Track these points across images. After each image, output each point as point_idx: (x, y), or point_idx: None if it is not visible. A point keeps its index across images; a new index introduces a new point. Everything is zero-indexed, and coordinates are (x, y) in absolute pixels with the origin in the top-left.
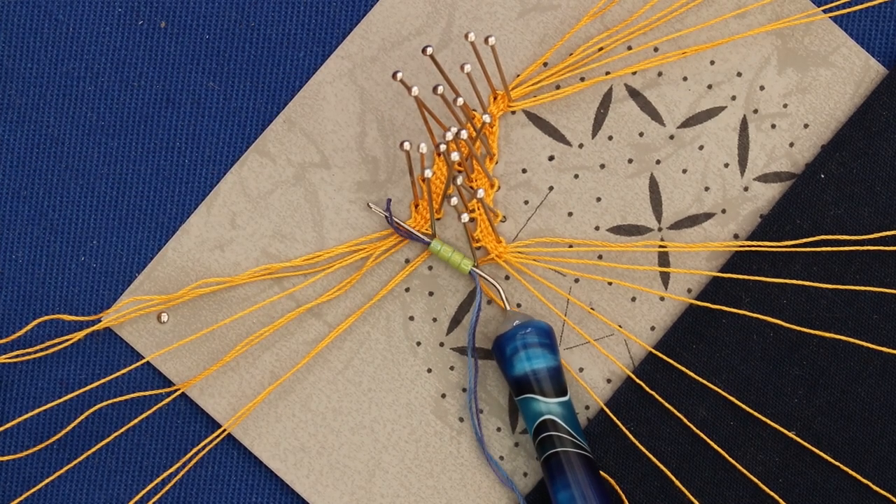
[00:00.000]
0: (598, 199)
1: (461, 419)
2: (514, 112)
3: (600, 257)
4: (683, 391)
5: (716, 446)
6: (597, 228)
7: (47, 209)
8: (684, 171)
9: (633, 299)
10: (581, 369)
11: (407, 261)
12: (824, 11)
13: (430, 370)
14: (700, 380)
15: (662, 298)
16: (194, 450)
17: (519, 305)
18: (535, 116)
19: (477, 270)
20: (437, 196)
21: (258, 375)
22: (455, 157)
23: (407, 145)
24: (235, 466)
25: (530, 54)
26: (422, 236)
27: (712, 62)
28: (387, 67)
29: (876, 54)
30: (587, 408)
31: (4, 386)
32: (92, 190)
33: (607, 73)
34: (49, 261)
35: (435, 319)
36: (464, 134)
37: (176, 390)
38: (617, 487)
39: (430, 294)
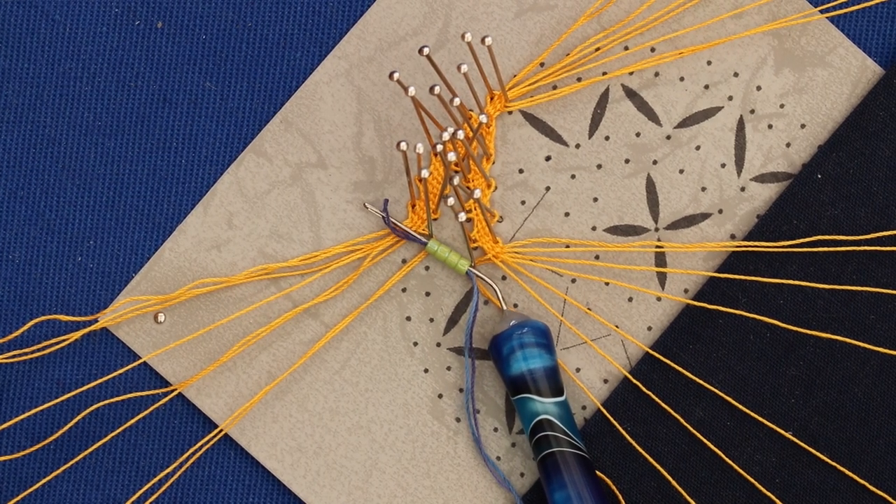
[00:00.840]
0: (595, 200)
1: (458, 419)
2: (510, 112)
3: (597, 257)
4: (680, 391)
5: (713, 446)
6: (594, 229)
7: (44, 209)
8: (681, 172)
9: (630, 299)
10: (578, 369)
11: (404, 261)
12: (821, 12)
13: (426, 370)
14: (697, 380)
15: (659, 299)
16: (191, 450)
17: (516, 306)
18: (532, 117)
19: (474, 271)
20: (434, 196)
21: (255, 376)
22: (452, 157)
23: (404, 145)
24: (232, 467)
25: (527, 54)
26: (419, 236)
27: (709, 62)
28: (383, 68)
29: (873, 55)
30: (584, 408)
31: (1, 386)
32: (89, 190)
33: (604, 74)
34: (46, 261)
35: (432, 320)
36: (460, 134)
37: (173, 390)
38: (614, 487)
39: (427, 294)
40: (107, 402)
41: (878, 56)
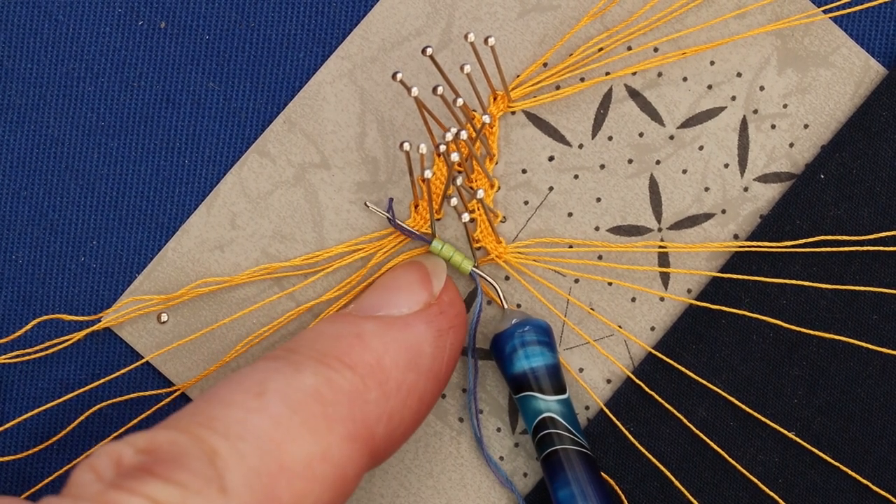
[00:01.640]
0: (598, 200)
1: (461, 419)
2: (513, 112)
3: (600, 258)
4: (683, 391)
5: (715, 446)
6: (597, 229)
7: (47, 209)
8: (684, 172)
9: (633, 300)
10: (581, 370)
11: None
12: (824, 12)
13: None
14: (700, 380)
15: (662, 299)
16: None
17: (519, 306)
18: (535, 117)
19: (477, 271)
20: (437, 196)
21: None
22: (455, 157)
23: (407, 146)
24: None
25: (530, 55)
26: (423, 236)
27: (712, 62)
28: (387, 68)
29: (876, 55)
30: (587, 408)
31: (4, 386)
32: (92, 190)
33: (607, 74)
34: (49, 261)
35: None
36: (463, 134)
37: (176, 390)
38: (617, 488)
39: None
40: (110, 401)
41: (881, 56)
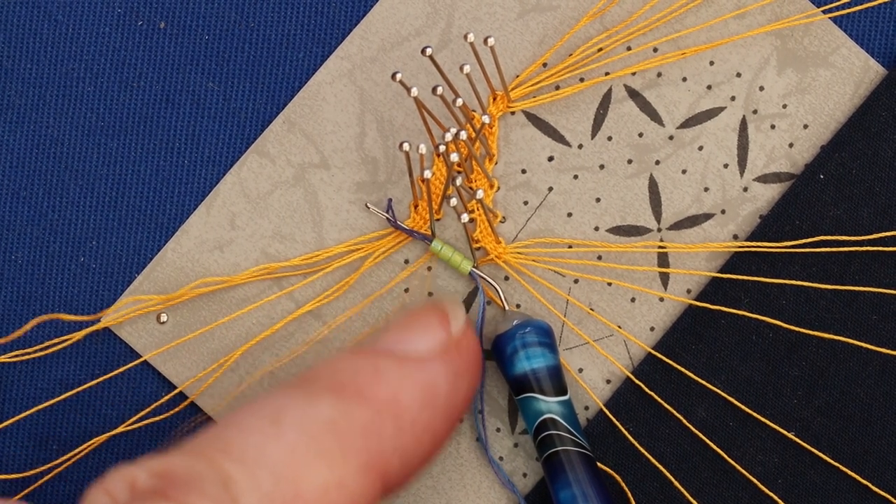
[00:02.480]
0: (598, 200)
1: (460, 419)
2: (513, 113)
3: (600, 258)
4: (683, 392)
5: (715, 447)
6: (596, 229)
7: (46, 210)
8: (684, 172)
9: (633, 300)
10: (580, 370)
11: (406, 261)
12: (824, 12)
13: None
14: (699, 380)
15: (662, 299)
16: None
17: (518, 306)
18: (535, 117)
19: (477, 271)
20: (437, 197)
21: (258, 376)
22: (454, 157)
23: (406, 146)
24: None
25: (530, 55)
26: (423, 236)
27: (712, 63)
28: (386, 68)
29: (876, 55)
30: (587, 408)
31: (4, 386)
32: (91, 190)
33: (607, 74)
34: (48, 261)
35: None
36: (463, 135)
37: (176, 391)
38: (623, 484)
39: (430, 295)
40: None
41: (881, 56)
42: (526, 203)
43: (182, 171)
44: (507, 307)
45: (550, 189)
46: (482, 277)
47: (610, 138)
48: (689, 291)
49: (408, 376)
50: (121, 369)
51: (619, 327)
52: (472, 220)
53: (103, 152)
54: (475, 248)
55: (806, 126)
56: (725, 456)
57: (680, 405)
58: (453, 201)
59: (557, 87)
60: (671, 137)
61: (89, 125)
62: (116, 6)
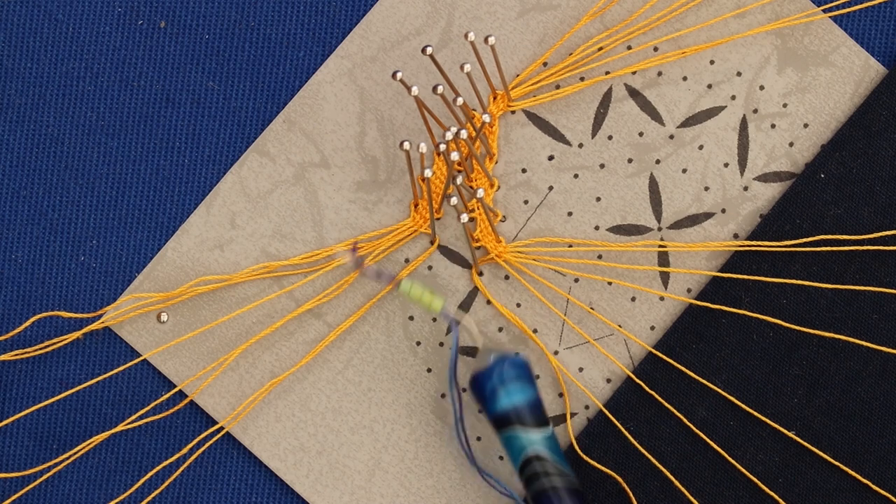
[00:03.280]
0: (598, 199)
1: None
2: (513, 112)
3: (600, 257)
4: (683, 391)
5: (716, 446)
6: (596, 228)
7: (47, 209)
8: (684, 171)
9: (633, 299)
10: (581, 369)
11: (407, 260)
12: (824, 11)
13: (429, 370)
14: (700, 380)
15: (662, 298)
16: (190, 445)
17: (519, 305)
18: (535, 116)
19: (447, 312)
20: (437, 196)
21: (258, 375)
22: (455, 156)
23: (406, 145)
24: (235, 466)
25: (530, 54)
26: (390, 277)
27: (712, 62)
28: (386, 67)
29: (876, 54)
30: (587, 408)
31: (4, 385)
32: (91, 189)
33: (607, 73)
34: (48, 260)
35: (435, 319)
36: (463, 134)
37: (175, 390)
38: (624, 484)
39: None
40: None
41: (880, 55)
42: (526, 202)
43: (182, 170)
44: (479, 344)
45: (551, 188)
46: (453, 319)
47: (610, 137)
48: (689, 290)
49: None
50: (120, 368)
51: (620, 326)
52: (472, 220)
53: (103, 151)
54: (475, 247)
55: (806, 125)
56: (726, 455)
57: (680, 404)
58: (453, 200)
59: (558, 87)
60: (671, 136)
61: (89, 124)
62: (117, 5)
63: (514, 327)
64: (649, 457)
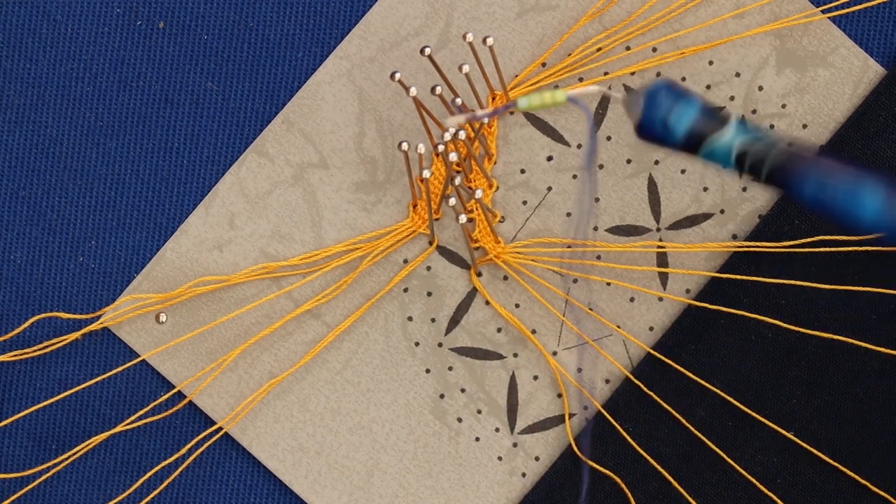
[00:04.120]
0: (597, 200)
1: (459, 419)
2: (512, 112)
3: (599, 258)
4: (682, 392)
5: (714, 447)
6: (595, 229)
7: (45, 209)
8: (683, 172)
9: (632, 300)
10: (579, 369)
11: (405, 261)
12: (823, 12)
13: (428, 370)
14: (698, 380)
15: (661, 299)
16: (189, 445)
17: (517, 305)
18: (534, 117)
19: (574, 98)
20: (436, 196)
21: (257, 376)
22: (453, 157)
23: (405, 146)
24: (234, 467)
25: (529, 55)
26: (508, 105)
27: (711, 62)
28: (385, 68)
29: (874, 55)
30: (585, 408)
31: (3, 385)
32: (90, 190)
33: (606, 74)
34: (47, 261)
35: (433, 320)
36: (462, 134)
37: (174, 391)
38: (622, 485)
39: (429, 294)
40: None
41: (879, 56)
42: (525, 203)
43: (181, 170)
44: (620, 94)
45: (549, 189)
46: (580, 101)
47: (609, 138)
48: (688, 291)
49: None
50: (119, 368)
51: (619, 327)
52: (470, 220)
53: (102, 152)
54: (474, 247)
55: (805, 126)
56: (725, 456)
57: (679, 405)
58: (452, 201)
59: (556, 87)
60: None
61: (88, 125)
62: (115, 6)
63: (512, 328)
64: (648, 457)
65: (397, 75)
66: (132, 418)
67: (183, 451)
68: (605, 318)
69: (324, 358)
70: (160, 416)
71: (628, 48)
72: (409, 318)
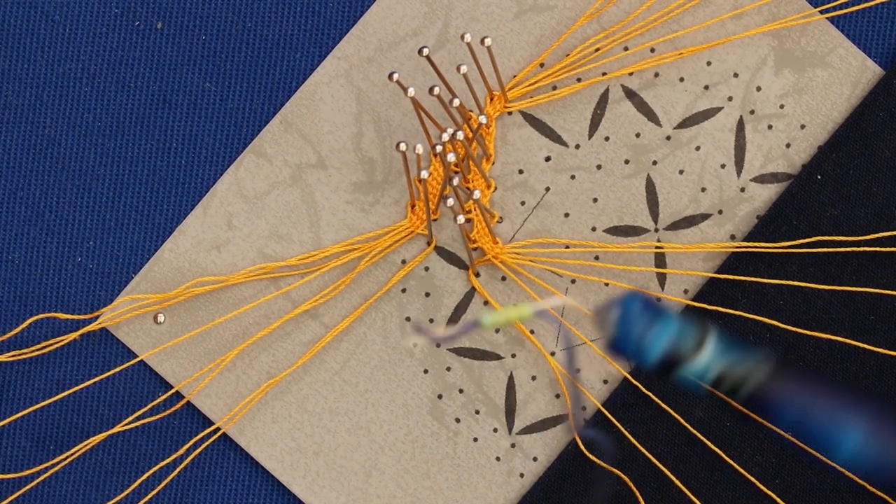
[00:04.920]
0: (595, 200)
1: (458, 420)
2: (510, 113)
3: (597, 258)
4: (680, 392)
5: (713, 447)
6: (593, 229)
7: (44, 210)
8: (681, 172)
9: None
10: (578, 370)
11: (403, 261)
12: (821, 12)
13: (426, 371)
14: (697, 381)
15: (659, 299)
16: (187, 445)
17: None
18: (532, 117)
19: (540, 307)
20: (434, 197)
21: (255, 376)
22: (451, 158)
23: (403, 146)
24: (232, 467)
25: (527, 55)
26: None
27: (709, 63)
28: (383, 68)
29: (873, 55)
30: (584, 408)
31: (1, 386)
32: (88, 191)
33: (604, 74)
34: (45, 261)
35: (431, 320)
36: (460, 135)
37: (172, 391)
38: (630, 483)
39: (427, 295)
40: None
41: (878, 57)
42: (523, 203)
43: (179, 171)
44: (588, 312)
45: (547, 189)
46: (550, 312)
47: (607, 138)
48: (686, 292)
49: None
50: (117, 369)
51: None
52: (468, 221)
53: (100, 152)
54: (472, 248)
55: (803, 126)
56: (723, 455)
57: (677, 405)
58: (450, 201)
59: (555, 88)
60: (668, 138)
61: (86, 125)
62: (113, 6)
63: (510, 328)
64: (649, 456)
65: (395, 76)
66: (130, 418)
67: (181, 451)
68: None
69: (322, 358)
70: (158, 416)
71: (626, 48)
72: (408, 319)
